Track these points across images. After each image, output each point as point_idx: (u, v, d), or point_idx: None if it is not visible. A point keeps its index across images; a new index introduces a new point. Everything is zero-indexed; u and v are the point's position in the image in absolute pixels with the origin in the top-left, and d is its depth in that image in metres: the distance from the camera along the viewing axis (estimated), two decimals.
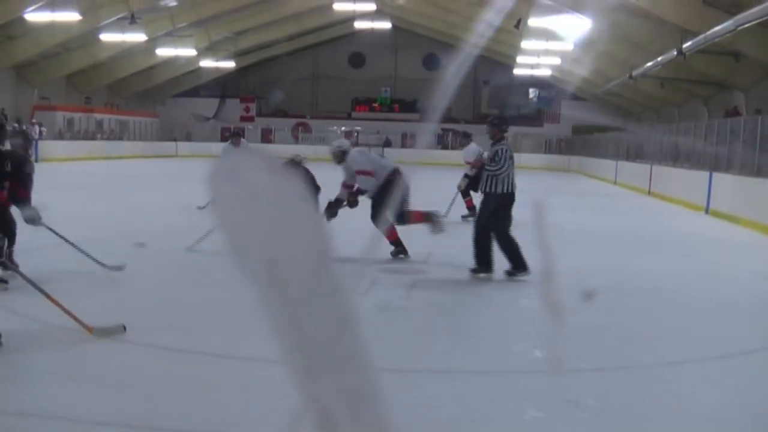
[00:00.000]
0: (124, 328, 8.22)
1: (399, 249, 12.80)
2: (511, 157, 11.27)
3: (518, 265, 10.96)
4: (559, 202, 24.81)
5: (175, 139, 57.74)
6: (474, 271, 11.23)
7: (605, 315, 9.21)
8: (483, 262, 11.22)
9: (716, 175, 23.00)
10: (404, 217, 12.46)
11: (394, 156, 53.86)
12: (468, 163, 18.82)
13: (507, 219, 11.16)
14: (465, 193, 19.04)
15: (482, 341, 7.97)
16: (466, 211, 18.93)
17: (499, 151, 11.21)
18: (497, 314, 9.40)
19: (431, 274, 11.74)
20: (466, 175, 18.63)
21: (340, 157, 13.14)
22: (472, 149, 19.28)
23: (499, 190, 11.16)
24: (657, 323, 9.12)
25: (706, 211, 22.76)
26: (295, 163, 13.26)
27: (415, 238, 15.00)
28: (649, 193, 30.35)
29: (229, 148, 17.74)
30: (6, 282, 9.76)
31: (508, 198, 11.21)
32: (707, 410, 6.18)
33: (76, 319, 8.25)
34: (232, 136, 18.16)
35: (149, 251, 12.68)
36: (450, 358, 7.37)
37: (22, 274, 8.97)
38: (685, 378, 7.05)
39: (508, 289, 10.77)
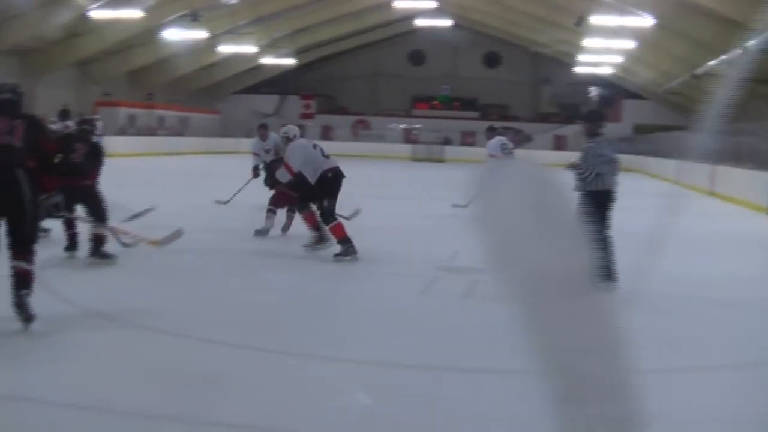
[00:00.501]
0: (181, 233, 10.28)
1: (321, 237, 12.58)
2: (600, 155, 10.42)
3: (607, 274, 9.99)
4: (619, 202, 24.60)
5: (229, 136, 57.91)
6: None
7: (664, 317, 9.12)
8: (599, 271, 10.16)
9: None
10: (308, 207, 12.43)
11: (455, 154, 53.99)
12: (491, 156, 18.94)
13: (599, 220, 10.32)
14: None
15: None
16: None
17: (585, 151, 10.57)
18: None
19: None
20: None
21: (285, 143, 13.22)
22: (494, 143, 19.30)
23: (590, 188, 10.40)
24: (716, 326, 9.01)
25: None
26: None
27: (471, 240, 14.90)
28: (710, 193, 30.01)
29: (257, 142, 17.85)
30: (111, 257, 10.94)
31: (600, 196, 10.50)
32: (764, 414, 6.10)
33: (141, 239, 10.20)
34: (259, 128, 18.19)
35: (203, 248, 12.71)
36: (509, 356, 7.34)
37: (82, 218, 10.75)
38: (742, 381, 6.96)
39: None
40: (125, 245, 11.29)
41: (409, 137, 60.40)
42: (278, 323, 8.31)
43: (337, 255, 12.04)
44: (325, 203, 12.15)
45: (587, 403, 1.96)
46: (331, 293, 10.05)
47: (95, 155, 11.40)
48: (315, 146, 12.76)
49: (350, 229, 12.50)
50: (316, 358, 6.95)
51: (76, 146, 11.11)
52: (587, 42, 38.52)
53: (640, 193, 22.12)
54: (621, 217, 11.33)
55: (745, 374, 7.15)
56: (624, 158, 41.72)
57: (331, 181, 12.33)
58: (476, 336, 8.04)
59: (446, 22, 46.15)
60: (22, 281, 7.43)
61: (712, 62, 33.02)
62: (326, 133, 59.36)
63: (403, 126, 61.82)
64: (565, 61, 51.77)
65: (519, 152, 19.96)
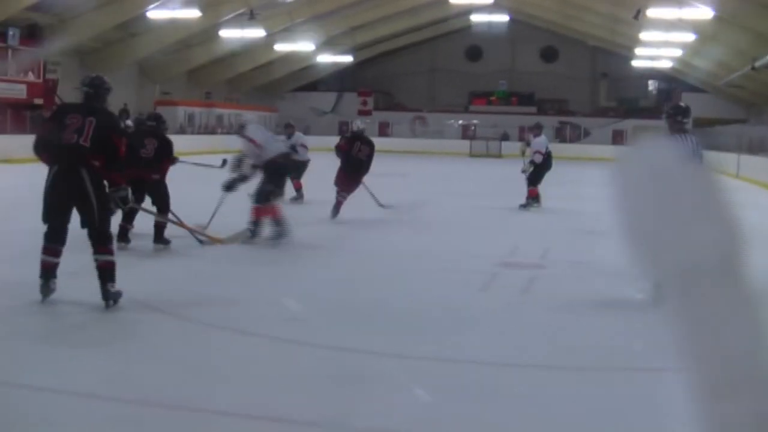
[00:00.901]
0: (250, 233, 11.90)
1: (253, 230, 12.78)
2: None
3: None
4: None
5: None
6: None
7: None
8: None
9: None
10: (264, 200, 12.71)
11: (512, 149, 53.76)
12: (537, 152, 19.06)
13: None
14: (531, 182, 19.20)
15: (601, 337, 7.90)
16: (524, 201, 19.22)
17: None
18: (615, 310, 9.28)
19: (550, 269, 11.64)
20: (531, 162, 18.88)
21: (239, 131, 13.82)
22: (541, 140, 19.42)
23: None
24: None
25: None
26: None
27: (530, 235, 14.98)
28: None
29: (284, 139, 19.19)
30: (169, 242, 11.86)
31: None
32: None
33: (207, 236, 11.79)
34: (286, 126, 19.92)
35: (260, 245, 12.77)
36: (568, 353, 7.32)
37: (145, 210, 11.62)
38: None
39: (627, 285, 10.63)
40: (201, 243, 11.96)
41: (466, 133, 60.29)
42: (335, 319, 8.31)
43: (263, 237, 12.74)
44: (269, 186, 12.69)
45: (739, 400, 1.91)
46: (390, 289, 10.03)
47: (165, 150, 12.11)
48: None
49: (415, 225, 12.48)
50: (376, 355, 6.97)
51: (145, 142, 11.82)
52: (645, 35, 38.25)
53: None
54: None
55: None
56: None
57: (281, 166, 13.04)
58: (536, 333, 8.02)
59: (503, 17, 46.04)
60: (106, 273, 8.01)
61: None
62: (384, 130, 59.37)
63: (460, 122, 61.71)
64: (624, 55, 51.47)
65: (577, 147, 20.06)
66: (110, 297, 7.98)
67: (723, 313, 1.94)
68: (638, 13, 34.95)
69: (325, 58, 52.42)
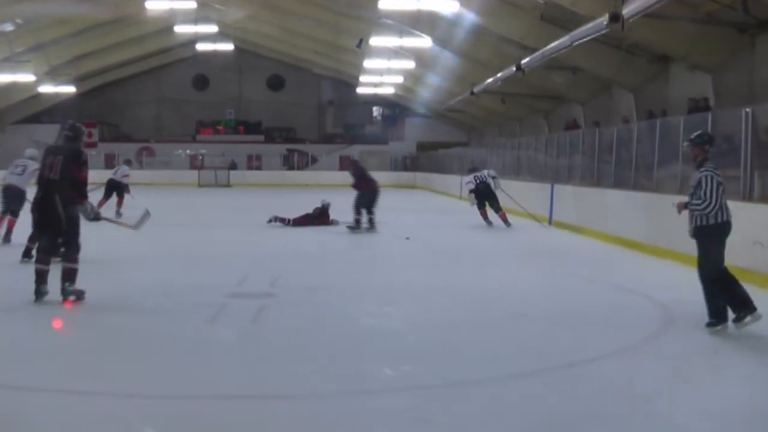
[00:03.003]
0: (148, 212, 12.99)
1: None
2: (721, 183, 9.09)
3: (743, 306, 9.18)
4: (404, 219, 24.93)
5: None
6: (710, 324, 9.18)
7: (452, 331, 9.29)
8: (719, 313, 9.20)
9: (557, 187, 23.48)
10: None
11: (241, 178, 53.73)
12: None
13: (720, 255, 9.25)
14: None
15: (332, 363, 7.94)
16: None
17: (703, 180, 9.11)
18: (346, 335, 9.37)
19: (280, 297, 11.61)
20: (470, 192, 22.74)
21: None
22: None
23: (715, 220, 9.15)
24: (504, 336, 9.20)
25: (549, 222, 23.17)
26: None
27: (261, 263, 15.01)
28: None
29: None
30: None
31: (726, 228, 9.29)
32: (554, 418, 6.26)
33: (119, 223, 13.90)
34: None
35: None
36: (301, 381, 7.32)
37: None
38: (531, 388, 7.13)
39: (355, 309, 10.81)
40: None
41: (194, 163, 59.93)
42: (65, 362, 8.04)
43: None
44: None
45: None
46: (119, 326, 9.76)
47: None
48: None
49: (144, 260, 12.27)
50: (108, 396, 6.76)
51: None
52: (368, 63, 39.02)
53: (436, 210, 22.54)
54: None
55: (532, 382, 7.32)
56: (410, 176, 42.29)
57: None
58: (269, 362, 7.99)
59: (228, 46, 46.06)
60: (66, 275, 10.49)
61: (489, 80, 33.87)
62: (110, 161, 58.37)
63: (188, 152, 61.35)
64: (349, 83, 52.38)
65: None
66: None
67: None
68: (361, 42, 35.68)
69: (48, 89, 50.85)
